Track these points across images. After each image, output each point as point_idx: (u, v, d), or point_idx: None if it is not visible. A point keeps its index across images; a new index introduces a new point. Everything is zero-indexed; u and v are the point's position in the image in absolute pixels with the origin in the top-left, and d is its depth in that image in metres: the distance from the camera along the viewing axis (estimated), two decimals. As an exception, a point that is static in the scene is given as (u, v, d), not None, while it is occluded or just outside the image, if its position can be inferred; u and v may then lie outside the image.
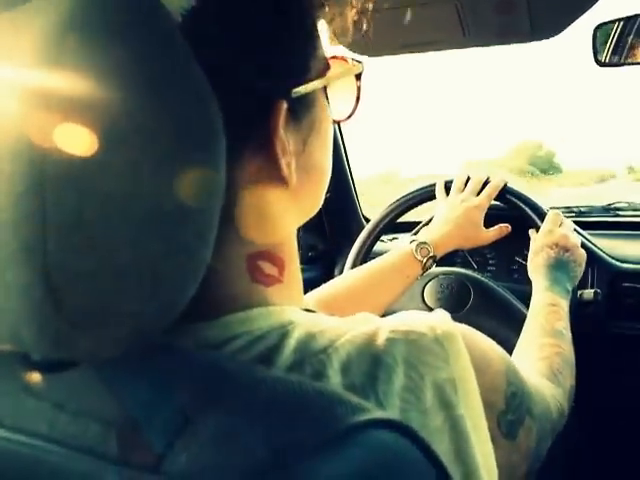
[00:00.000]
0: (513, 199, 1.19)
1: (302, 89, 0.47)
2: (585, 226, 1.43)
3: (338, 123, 0.58)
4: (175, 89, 0.36)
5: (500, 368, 0.54)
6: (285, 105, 0.45)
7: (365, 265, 1.02)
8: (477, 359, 0.48)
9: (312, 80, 0.48)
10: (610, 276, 1.29)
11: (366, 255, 1.28)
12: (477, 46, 1.15)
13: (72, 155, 0.32)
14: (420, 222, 1.48)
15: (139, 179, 0.34)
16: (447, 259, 1.51)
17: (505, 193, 1.18)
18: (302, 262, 1.62)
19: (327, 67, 0.51)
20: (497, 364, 0.54)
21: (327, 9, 0.50)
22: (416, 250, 1.01)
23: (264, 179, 0.46)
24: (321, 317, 0.49)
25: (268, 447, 0.33)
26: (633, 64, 1.08)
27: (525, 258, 1.48)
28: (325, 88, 0.51)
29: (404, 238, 1.51)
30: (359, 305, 0.91)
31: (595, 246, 1.34)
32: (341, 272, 1.37)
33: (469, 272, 1.26)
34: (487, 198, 1.14)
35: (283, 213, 0.49)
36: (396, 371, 0.42)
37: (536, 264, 1.07)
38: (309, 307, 0.52)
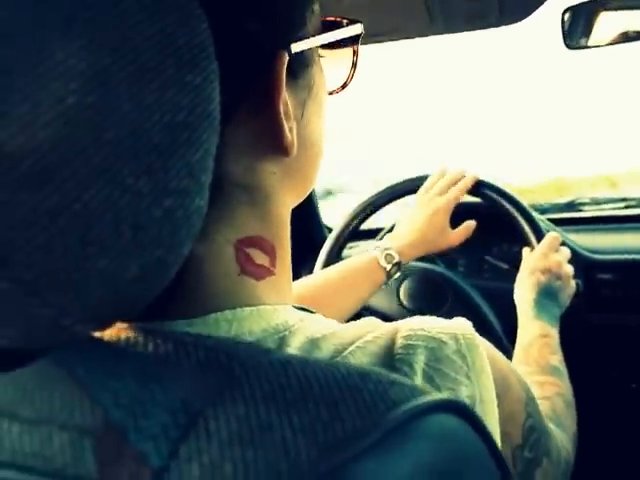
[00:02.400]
0: (514, 212, 1.13)
1: (303, 44, 0.41)
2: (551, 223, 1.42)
3: (332, 94, 0.52)
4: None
5: (520, 396, 0.47)
6: (287, 57, 0.39)
7: (329, 269, 0.97)
8: (497, 380, 0.41)
9: (310, 37, 0.42)
10: (585, 267, 1.28)
11: (338, 256, 1.21)
12: (445, 33, 1.12)
13: None
14: (382, 229, 1.44)
15: (113, 96, 0.27)
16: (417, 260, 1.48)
17: (505, 204, 1.12)
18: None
19: (323, 27, 0.45)
20: (517, 390, 0.47)
21: None
22: (381, 257, 0.96)
23: (261, 146, 0.41)
24: (320, 319, 0.42)
25: (313, 442, 0.26)
26: (603, 46, 1.07)
27: (495, 257, 1.47)
28: (318, 54, 0.46)
29: (366, 245, 1.46)
30: (323, 309, 0.79)
31: (566, 238, 1.33)
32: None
33: (446, 272, 1.21)
34: (454, 199, 1.06)
35: (277, 190, 0.43)
36: (413, 381, 0.36)
37: (524, 288, 0.99)
38: (302, 305, 0.45)
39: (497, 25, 1.09)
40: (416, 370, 0.36)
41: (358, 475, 0.25)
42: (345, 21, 0.48)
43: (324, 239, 1.24)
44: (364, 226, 1.33)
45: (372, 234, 1.47)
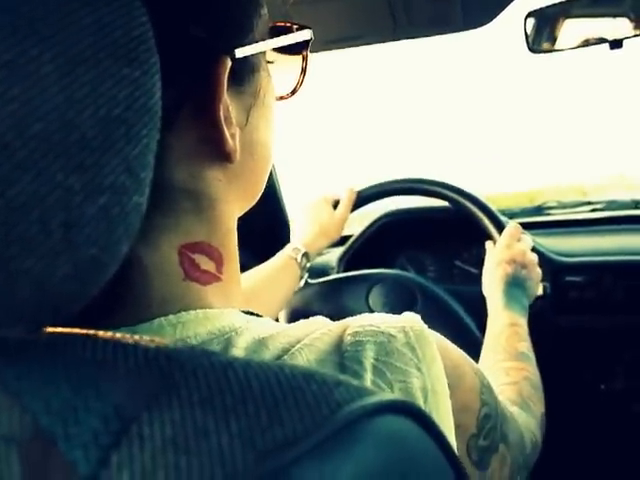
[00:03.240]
0: (472, 207, 1.16)
1: (248, 49, 0.41)
2: (519, 227, 1.43)
3: (281, 99, 0.51)
4: None
5: (473, 384, 0.47)
6: (229, 63, 0.39)
7: (248, 272, 1.05)
8: (449, 370, 0.41)
9: (256, 42, 0.42)
10: (552, 270, 1.28)
11: None
12: (409, 38, 1.12)
13: None
14: (351, 235, 1.45)
15: (40, 88, 0.25)
16: (386, 266, 1.48)
17: (465, 202, 1.16)
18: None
19: (272, 33, 0.44)
20: (470, 379, 0.47)
21: None
22: (290, 251, 1.08)
23: (204, 153, 0.40)
24: (267, 321, 0.41)
25: (250, 448, 0.25)
26: (565, 50, 1.08)
27: (465, 261, 1.48)
28: (266, 59, 0.45)
29: (334, 252, 1.46)
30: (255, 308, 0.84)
31: (534, 242, 1.33)
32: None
33: (415, 276, 1.21)
34: (345, 210, 1.18)
35: (223, 196, 0.43)
36: (363, 378, 0.35)
37: (492, 280, 1.02)
38: (249, 309, 0.44)
39: (461, 30, 1.09)
40: (366, 366, 0.36)
41: None
42: (295, 27, 0.48)
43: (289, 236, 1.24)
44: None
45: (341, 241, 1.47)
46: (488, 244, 1.12)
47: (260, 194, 0.49)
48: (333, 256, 1.40)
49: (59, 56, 0.26)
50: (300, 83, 0.51)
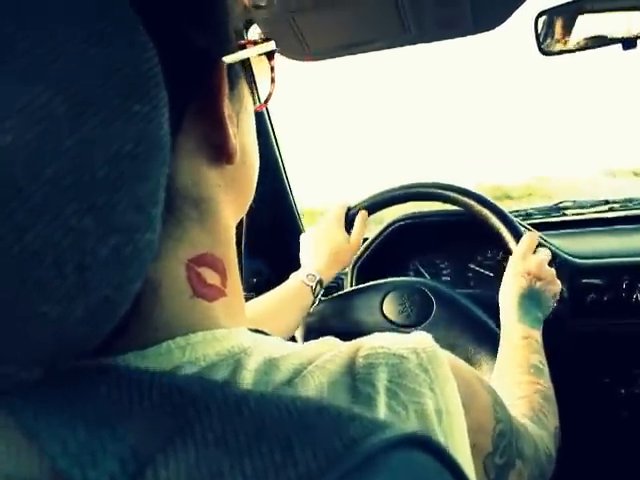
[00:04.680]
0: (491, 217, 1.14)
1: (239, 55, 0.42)
2: (534, 228, 1.41)
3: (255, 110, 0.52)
4: (103, 23, 0.28)
5: (486, 403, 0.47)
6: (226, 66, 0.40)
7: (262, 296, 1.05)
8: (462, 390, 0.40)
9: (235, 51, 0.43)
10: (570, 273, 1.26)
11: None
12: (420, 42, 1.11)
13: None
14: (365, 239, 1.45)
15: (52, 132, 0.25)
16: (399, 271, 1.47)
17: (482, 209, 1.14)
18: (246, 289, 1.52)
19: (243, 45, 0.45)
20: (483, 398, 0.46)
21: None
22: (304, 277, 1.08)
23: (206, 154, 0.40)
24: (275, 340, 0.41)
25: None
26: (576, 51, 1.06)
27: (479, 265, 1.46)
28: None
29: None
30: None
31: (550, 244, 1.31)
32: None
33: (428, 281, 1.20)
34: (358, 235, 1.19)
35: (223, 203, 0.43)
36: (377, 403, 0.35)
37: (507, 293, 1.00)
38: (255, 326, 0.44)
39: (470, 33, 1.08)
40: (379, 389, 0.35)
41: None
42: (259, 39, 0.49)
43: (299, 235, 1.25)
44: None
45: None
46: (511, 257, 1.09)
47: (250, 202, 0.49)
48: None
49: (69, 99, 0.25)
50: (271, 93, 0.52)
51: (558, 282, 1.03)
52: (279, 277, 1.49)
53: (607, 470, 1.38)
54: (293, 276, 1.11)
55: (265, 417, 0.28)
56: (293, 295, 1.06)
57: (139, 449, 0.26)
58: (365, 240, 1.45)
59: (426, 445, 0.29)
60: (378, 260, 1.41)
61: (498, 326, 1.03)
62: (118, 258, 0.28)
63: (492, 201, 1.14)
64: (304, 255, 1.18)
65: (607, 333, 1.24)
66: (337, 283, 1.40)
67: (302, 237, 1.20)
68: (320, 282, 1.09)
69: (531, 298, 0.97)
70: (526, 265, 1.01)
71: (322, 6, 1.04)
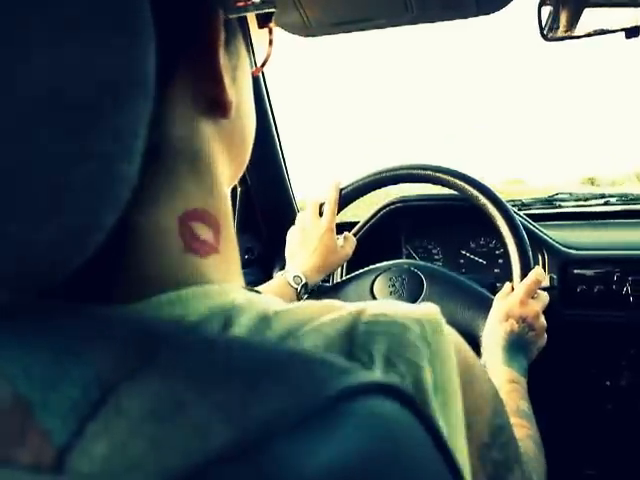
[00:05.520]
0: (507, 235, 1.10)
1: (238, 9, 0.42)
2: (530, 218, 1.41)
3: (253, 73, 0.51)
4: None
5: (486, 391, 0.45)
6: (223, 19, 0.39)
7: None
8: (462, 370, 0.39)
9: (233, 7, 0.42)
10: (561, 263, 1.26)
11: None
12: (421, 22, 1.10)
13: None
14: (356, 222, 1.44)
15: (29, 51, 0.25)
16: (391, 255, 1.46)
17: (501, 224, 1.10)
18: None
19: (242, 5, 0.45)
20: (483, 385, 0.44)
21: None
22: (290, 279, 1.08)
23: (200, 107, 0.39)
24: (271, 298, 0.40)
25: (229, 424, 0.24)
26: (580, 37, 1.05)
27: (471, 251, 1.46)
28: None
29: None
30: None
31: (544, 234, 1.31)
32: (281, 273, 1.29)
33: (416, 261, 1.19)
34: (332, 215, 1.17)
35: (219, 158, 0.42)
36: (371, 370, 0.33)
37: (497, 333, 0.97)
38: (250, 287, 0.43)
39: (473, 15, 1.07)
40: (375, 358, 0.34)
41: (274, 460, 0.23)
42: (255, 1, 0.48)
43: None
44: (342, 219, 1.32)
45: (348, 227, 1.46)
46: (507, 286, 1.07)
47: (246, 161, 0.49)
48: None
49: (49, 21, 0.25)
50: (269, 55, 0.51)
51: (545, 335, 1.01)
52: (271, 254, 1.49)
53: (590, 462, 1.38)
54: (279, 275, 1.10)
55: (235, 357, 0.27)
56: (276, 295, 1.04)
57: (103, 376, 0.26)
58: (355, 223, 1.45)
59: (397, 394, 0.28)
60: (370, 243, 1.40)
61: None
62: (92, 185, 0.27)
63: (516, 220, 1.11)
64: (291, 255, 1.17)
65: (595, 324, 1.24)
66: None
67: (289, 233, 1.19)
68: (305, 285, 1.09)
69: (520, 346, 0.95)
70: (523, 311, 0.99)
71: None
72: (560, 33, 1.06)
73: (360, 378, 0.27)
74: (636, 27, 0.99)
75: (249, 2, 0.46)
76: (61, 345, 0.28)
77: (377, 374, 0.32)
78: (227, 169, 0.44)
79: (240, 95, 0.44)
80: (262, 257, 1.51)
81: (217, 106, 0.40)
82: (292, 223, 1.22)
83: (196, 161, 0.40)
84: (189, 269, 0.38)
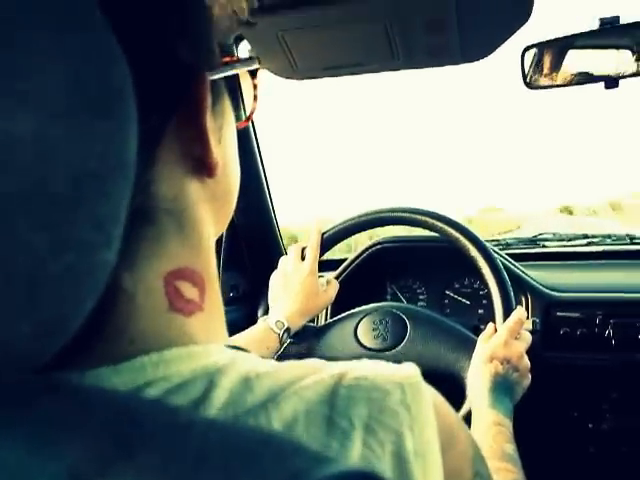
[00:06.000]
0: (489, 277, 1.11)
1: (222, 70, 0.43)
2: (513, 258, 1.42)
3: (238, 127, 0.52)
4: (73, 36, 0.27)
5: (466, 451, 0.45)
6: (209, 81, 0.40)
7: (229, 339, 1.01)
8: (442, 431, 0.39)
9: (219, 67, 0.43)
10: (544, 305, 1.27)
11: None
12: (407, 68, 1.11)
13: None
14: (343, 259, 1.44)
15: (14, 145, 0.25)
16: (377, 298, 1.47)
17: (483, 266, 1.12)
18: (224, 303, 1.50)
19: (228, 61, 0.46)
20: (464, 445, 0.44)
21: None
22: (273, 324, 1.08)
23: (186, 168, 0.40)
24: (254, 358, 0.40)
25: None
26: (561, 86, 1.07)
27: (455, 292, 1.47)
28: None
29: (327, 275, 1.45)
30: None
31: (527, 275, 1.32)
32: (265, 312, 1.29)
33: (399, 303, 1.20)
34: (314, 260, 1.16)
35: (204, 216, 0.43)
36: (352, 438, 0.33)
37: (482, 375, 0.97)
38: (236, 344, 0.43)
39: (459, 62, 1.08)
40: (356, 424, 0.34)
41: None
42: (241, 57, 0.50)
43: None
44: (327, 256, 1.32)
45: (334, 265, 1.46)
46: (489, 326, 1.07)
47: (230, 218, 0.49)
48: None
49: (33, 112, 0.25)
50: (253, 109, 0.52)
51: (529, 376, 1.01)
52: (256, 291, 1.49)
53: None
54: (261, 320, 1.10)
55: (209, 444, 0.27)
56: (259, 341, 1.05)
57: (77, 472, 0.26)
58: (342, 260, 1.45)
59: None
60: (355, 283, 1.41)
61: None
62: (72, 276, 0.27)
63: (497, 261, 1.12)
64: (273, 299, 1.16)
65: (578, 367, 1.24)
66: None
67: (272, 278, 1.18)
68: (288, 330, 1.09)
69: (505, 387, 0.95)
70: (507, 353, 0.98)
71: (312, 27, 1.04)
72: (542, 81, 1.08)
73: (334, 468, 0.27)
74: (616, 78, 1.02)
75: (234, 59, 0.47)
76: (37, 434, 0.28)
77: (354, 456, 0.31)
78: (212, 226, 0.45)
79: (225, 154, 0.45)
80: (247, 295, 1.51)
81: (203, 166, 0.41)
82: (278, 261, 1.22)
83: (182, 220, 0.40)
84: (174, 329, 0.38)
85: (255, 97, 0.52)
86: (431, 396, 0.39)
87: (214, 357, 0.37)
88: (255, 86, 0.51)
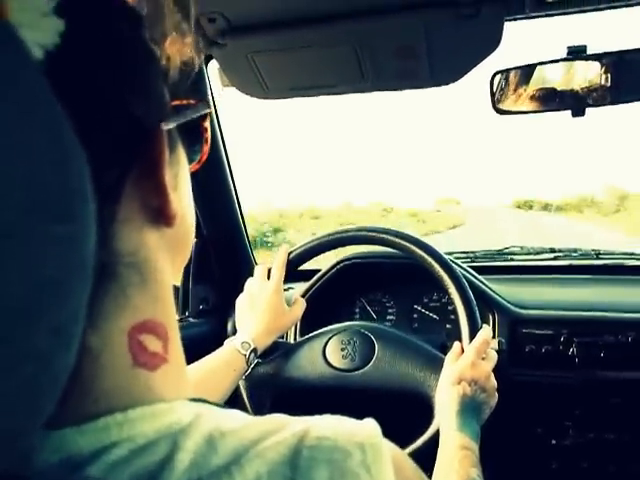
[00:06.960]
0: (455, 296, 1.12)
1: (177, 119, 0.43)
2: (481, 271, 1.43)
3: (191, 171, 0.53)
4: (27, 133, 0.26)
5: None
6: (165, 132, 0.40)
7: (194, 364, 1.03)
8: None
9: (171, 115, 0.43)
10: (510, 322, 1.29)
11: None
12: (375, 90, 1.12)
13: None
14: (315, 270, 1.44)
15: None
16: (346, 312, 1.47)
17: (449, 284, 1.13)
18: (193, 316, 1.49)
19: (178, 106, 0.46)
20: None
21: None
22: (239, 346, 1.08)
23: (145, 220, 0.40)
24: (219, 413, 0.40)
25: None
26: (528, 113, 1.08)
27: (424, 306, 1.48)
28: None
29: (300, 287, 1.46)
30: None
31: (494, 292, 1.34)
32: (234, 325, 1.29)
33: (367, 323, 1.21)
34: (279, 279, 1.17)
35: (163, 265, 0.43)
36: None
37: (450, 397, 0.98)
38: (197, 394, 0.43)
39: (428, 86, 1.09)
40: None
41: None
42: (191, 102, 0.49)
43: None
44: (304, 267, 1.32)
45: (308, 274, 1.46)
46: (456, 345, 1.08)
47: (185, 263, 0.49)
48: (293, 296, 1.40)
49: None
50: (204, 152, 0.52)
51: (496, 395, 1.02)
52: (226, 304, 1.48)
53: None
54: (228, 342, 1.10)
55: None
56: (226, 363, 1.06)
57: None
58: (313, 271, 1.45)
59: None
60: (324, 298, 1.41)
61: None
62: (30, 387, 0.27)
63: (461, 278, 1.13)
64: (240, 320, 1.16)
65: (542, 384, 1.26)
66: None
67: (238, 300, 1.18)
68: (254, 350, 1.09)
69: (472, 409, 0.97)
70: (475, 374, 1.00)
71: (282, 49, 1.04)
72: (510, 106, 1.09)
73: None
74: (582, 106, 1.03)
75: (184, 103, 0.46)
76: None
77: None
78: (170, 273, 0.45)
79: (181, 201, 0.45)
80: (217, 307, 1.50)
81: (162, 217, 0.41)
82: (248, 273, 1.22)
83: (143, 272, 0.40)
84: (138, 385, 0.38)
85: (206, 140, 0.52)
86: (390, 452, 0.40)
87: (178, 414, 0.37)
88: (205, 129, 0.51)
